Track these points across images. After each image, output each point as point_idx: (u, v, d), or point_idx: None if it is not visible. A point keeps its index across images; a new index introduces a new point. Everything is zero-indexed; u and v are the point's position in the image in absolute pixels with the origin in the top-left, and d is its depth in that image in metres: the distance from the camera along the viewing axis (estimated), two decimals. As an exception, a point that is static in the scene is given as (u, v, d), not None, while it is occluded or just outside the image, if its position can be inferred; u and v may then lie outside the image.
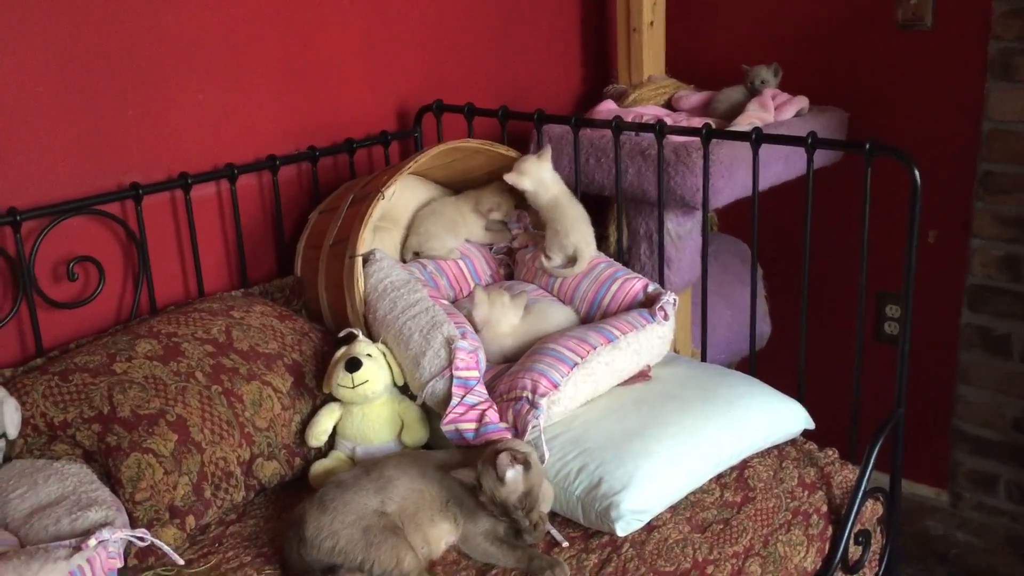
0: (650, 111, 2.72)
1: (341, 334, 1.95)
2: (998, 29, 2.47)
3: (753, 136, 2.06)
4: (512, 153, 2.22)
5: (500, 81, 2.80)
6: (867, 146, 1.91)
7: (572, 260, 2.16)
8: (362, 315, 1.99)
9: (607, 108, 2.58)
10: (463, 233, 2.29)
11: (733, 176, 2.32)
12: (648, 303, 2.07)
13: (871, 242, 2.05)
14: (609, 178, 2.40)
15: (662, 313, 1.99)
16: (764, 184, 2.41)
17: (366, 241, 2.06)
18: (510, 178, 2.14)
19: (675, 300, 2.04)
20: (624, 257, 2.46)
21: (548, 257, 2.18)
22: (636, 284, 2.11)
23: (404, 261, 2.28)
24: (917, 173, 1.86)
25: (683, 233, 2.45)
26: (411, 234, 2.27)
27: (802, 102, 2.62)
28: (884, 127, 2.71)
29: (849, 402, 2.15)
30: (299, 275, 2.25)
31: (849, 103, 2.72)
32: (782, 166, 2.47)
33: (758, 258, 2.91)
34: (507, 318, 1.96)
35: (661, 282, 2.43)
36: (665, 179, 2.30)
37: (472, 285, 2.26)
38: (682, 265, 2.47)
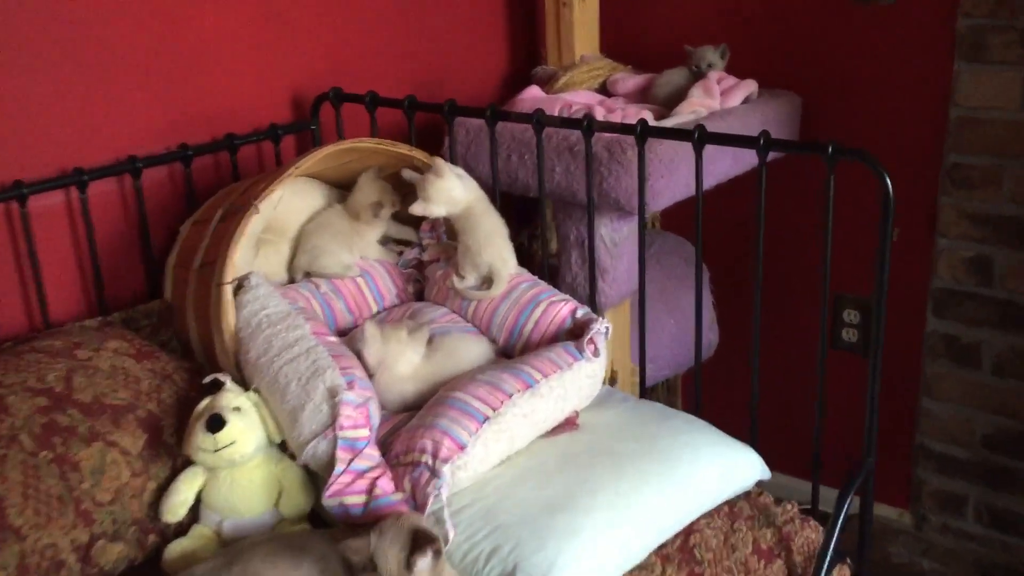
0: (581, 98, 2.36)
1: (206, 380, 1.57)
2: (967, 4, 2.15)
3: (696, 135, 1.71)
4: (416, 154, 1.85)
5: (413, 64, 2.42)
6: (829, 149, 1.57)
7: (488, 280, 1.81)
8: (233, 355, 1.61)
9: (532, 96, 2.22)
10: (360, 247, 1.92)
11: (674, 175, 1.97)
12: (577, 331, 1.72)
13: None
14: (534, 177, 2.04)
15: (591, 347, 1.64)
16: (710, 182, 2.07)
17: (240, 264, 1.68)
18: (416, 210, 1.78)
19: (608, 329, 1.70)
20: (546, 270, 2.11)
21: (460, 276, 1.82)
22: (563, 308, 1.76)
23: (294, 281, 1.91)
24: (889, 182, 1.53)
25: (619, 240, 2.10)
26: (299, 251, 1.89)
27: (751, 87, 2.28)
28: (841, 112, 2.38)
29: (806, 426, 1.83)
30: (168, 300, 1.87)
31: (803, 86, 2.38)
32: (730, 162, 2.13)
33: (704, 258, 2.59)
34: (406, 358, 1.60)
35: (593, 296, 2.09)
36: (596, 180, 1.95)
37: (372, 308, 1.90)
38: (618, 275, 2.13)
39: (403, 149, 1.82)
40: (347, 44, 2.25)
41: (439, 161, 1.78)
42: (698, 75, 2.31)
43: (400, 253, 1.99)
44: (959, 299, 2.33)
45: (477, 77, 2.59)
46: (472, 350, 1.65)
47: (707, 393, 2.26)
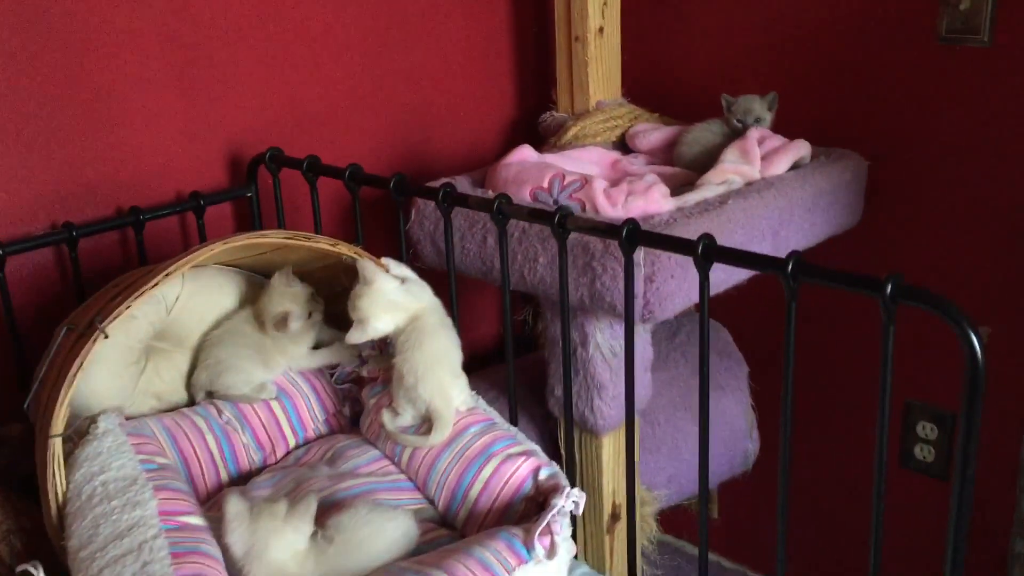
0: (588, 158, 1.87)
1: (18, 570, 1.14)
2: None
3: (700, 249, 1.20)
4: (341, 249, 1.39)
5: (396, 114, 1.96)
6: (888, 289, 1.05)
7: (428, 420, 1.34)
8: (56, 539, 1.17)
9: (520, 159, 1.73)
10: (280, 361, 1.47)
11: (689, 273, 1.48)
12: (540, 497, 1.24)
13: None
14: (520, 268, 1.57)
15: (545, 543, 1.16)
16: (738, 277, 1.58)
17: (103, 391, 1.25)
18: (354, 338, 1.33)
19: (579, 502, 1.21)
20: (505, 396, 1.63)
21: (395, 413, 1.36)
22: (521, 467, 1.28)
23: (194, 402, 1.47)
24: (977, 343, 1.00)
25: (620, 348, 1.61)
26: (199, 365, 1.45)
27: (801, 149, 1.75)
28: (919, 176, 1.84)
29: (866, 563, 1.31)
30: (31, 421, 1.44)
31: (870, 146, 1.86)
32: (769, 243, 1.63)
33: (741, 348, 2.08)
34: (284, 541, 1.14)
35: (587, 418, 1.61)
36: (588, 278, 1.46)
37: (290, 441, 1.44)
38: (618, 392, 1.64)
39: (322, 243, 1.35)
40: (308, 90, 1.80)
41: (365, 264, 1.32)
42: (737, 131, 1.80)
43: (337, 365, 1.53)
44: (1068, 422, 1.78)
45: (476, 128, 2.12)
46: (378, 541, 1.17)
47: (745, 510, 1.77)
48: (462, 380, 1.36)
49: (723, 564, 2.34)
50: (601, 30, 2.00)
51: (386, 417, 1.34)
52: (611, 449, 1.68)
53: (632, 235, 1.23)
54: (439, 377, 1.31)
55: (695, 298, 1.51)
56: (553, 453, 1.76)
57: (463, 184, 1.73)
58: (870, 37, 1.83)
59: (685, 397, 1.94)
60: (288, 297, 1.41)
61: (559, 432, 1.67)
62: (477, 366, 1.97)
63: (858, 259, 1.91)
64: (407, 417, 1.34)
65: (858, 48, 1.85)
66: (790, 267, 1.08)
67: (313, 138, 1.80)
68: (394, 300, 1.33)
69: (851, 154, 1.82)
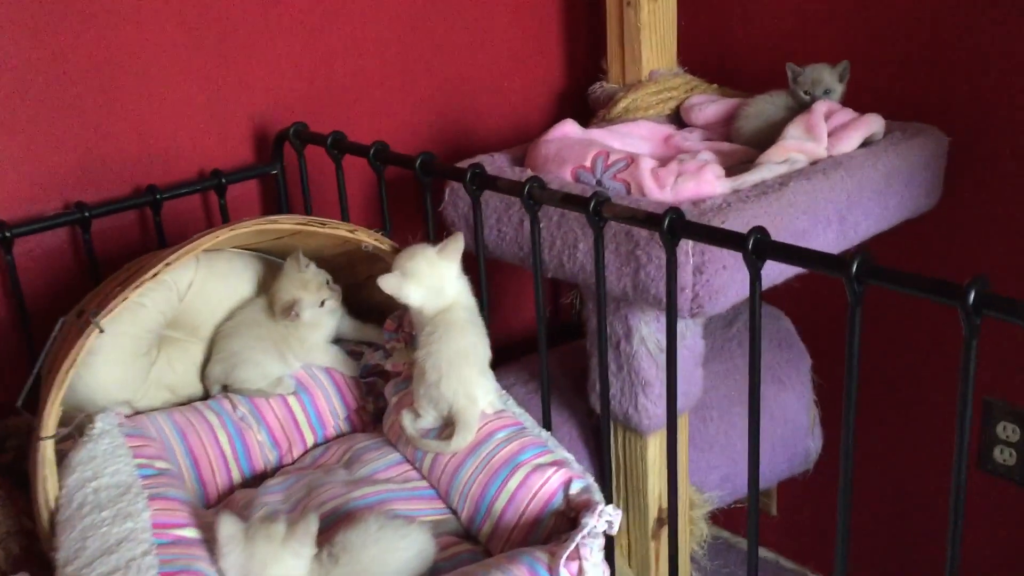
0: (639, 132, 1.73)
1: (6, 582, 1.06)
2: None
3: (751, 245, 1.05)
4: (361, 236, 1.27)
5: (435, 85, 1.83)
6: (971, 297, 0.89)
7: (450, 423, 1.22)
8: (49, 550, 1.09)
9: (561, 135, 1.59)
10: (299, 352, 1.37)
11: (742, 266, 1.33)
12: (568, 515, 1.12)
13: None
14: (558, 255, 1.43)
15: (572, 569, 1.03)
16: (791, 267, 1.43)
17: (110, 383, 1.16)
18: (387, 284, 1.21)
19: (613, 521, 1.09)
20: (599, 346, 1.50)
21: (416, 414, 1.24)
22: (552, 479, 1.16)
23: (209, 395, 1.37)
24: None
25: (666, 344, 1.47)
26: (213, 357, 1.35)
27: (873, 124, 1.58)
28: (1006, 155, 1.66)
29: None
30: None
31: (951, 118, 1.67)
32: (835, 229, 1.47)
33: (804, 338, 1.93)
34: (281, 570, 1.03)
35: (631, 417, 1.48)
36: (631, 267, 1.32)
37: (308, 439, 1.34)
38: (664, 391, 1.50)
39: (340, 230, 1.24)
40: (340, 61, 1.68)
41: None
42: (804, 105, 1.63)
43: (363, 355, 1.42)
44: None
45: (520, 101, 1.98)
46: (389, 561, 1.05)
47: (806, 508, 1.63)
48: (489, 379, 1.24)
49: (781, 563, 2.20)
50: (656, -7, 1.84)
51: (406, 419, 1.23)
52: (657, 449, 1.55)
53: (674, 225, 1.09)
54: (464, 374, 1.19)
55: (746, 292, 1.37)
56: (596, 450, 1.64)
57: (501, 162, 1.60)
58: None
59: (741, 391, 1.79)
60: (298, 283, 1.30)
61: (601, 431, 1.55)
62: (519, 354, 1.85)
63: (934, 246, 1.74)
64: (428, 419, 1.23)
65: (944, 8, 1.66)
66: (855, 268, 0.93)
67: (344, 112, 1.69)
68: (442, 277, 1.21)
69: (930, 128, 1.64)
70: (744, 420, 1.77)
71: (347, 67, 1.69)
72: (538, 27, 1.98)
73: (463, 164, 1.55)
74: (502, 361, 1.89)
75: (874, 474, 1.96)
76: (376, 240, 1.25)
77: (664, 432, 1.54)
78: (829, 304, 1.85)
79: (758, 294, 1.04)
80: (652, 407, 1.49)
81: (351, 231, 1.23)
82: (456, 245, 1.21)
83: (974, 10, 1.62)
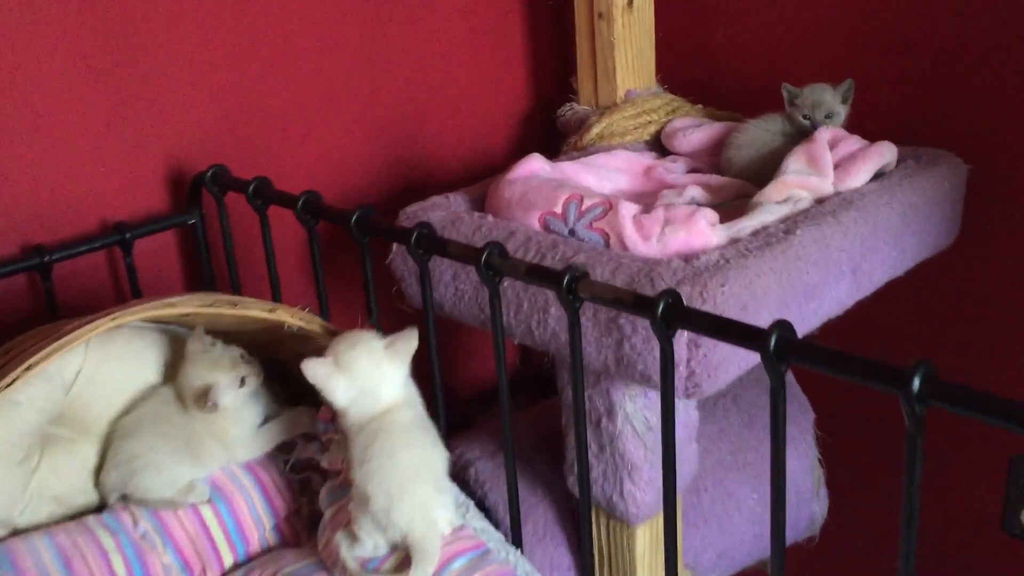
0: (615, 163, 1.50)
1: None
2: None
3: (773, 346, 0.81)
4: (280, 316, 1.03)
5: (385, 112, 1.59)
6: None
7: (401, 550, 0.98)
8: None
9: (527, 173, 1.35)
10: (214, 449, 1.12)
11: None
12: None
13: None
14: (520, 319, 1.20)
15: None
16: (817, 320, 1.22)
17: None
18: (313, 371, 0.98)
19: None
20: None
21: (354, 538, 1.00)
22: (521, 623, 0.93)
23: (104, 506, 1.13)
24: None
25: (656, 421, 1.24)
26: (108, 461, 1.11)
27: (885, 153, 1.36)
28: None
29: None
30: None
31: (970, 144, 1.46)
32: (847, 281, 1.25)
33: (805, 389, 1.71)
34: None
35: (616, 505, 1.25)
36: (614, 338, 1.09)
37: (225, 559, 1.10)
38: (656, 475, 1.27)
39: (254, 309, 0.99)
40: (272, 89, 1.44)
41: (408, 335, 0.97)
42: (803, 130, 1.41)
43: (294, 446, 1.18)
44: None
45: (482, 126, 1.75)
46: None
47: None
48: (448, 495, 1.00)
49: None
50: (631, 3, 1.62)
51: (343, 546, 0.99)
52: (647, 540, 1.32)
53: (671, 314, 0.85)
54: (419, 496, 0.95)
55: (752, 362, 1.14)
56: (576, 533, 1.41)
57: (458, 204, 1.36)
58: (970, 5, 1.43)
59: (737, 454, 1.58)
60: (207, 365, 1.06)
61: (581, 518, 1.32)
62: (484, 405, 1.63)
63: (950, 286, 1.53)
64: (370, 546, 0.99)
65: (959, 20, 1.44)
66: (917, 384, 0.70)
67: (276, 150, 1.45)
68: (378, 384, 0.98)
69: (946, 155, 1.42)
70: (742, 488, 1.56)
71: (279, 98, 1.45)
72: (500, 43, 1.74)
73: (412, 209, 1.32)
74: (464, 423, 1.66)
75: (885, 535, 1.74)
76: (302, 320, 1.01)
77: (655, 521, 1.32)
78: (825, 333, 1.63)
79: (782, 408, 0.81)
80: (640, 494, 1.26)
81: (269, 311, 0.98)
82: (408, 345, 0.98)
83: (992, 23, 1.41)
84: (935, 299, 1.54)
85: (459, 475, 1.46)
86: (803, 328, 1.19)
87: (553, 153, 1.62)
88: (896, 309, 1.52)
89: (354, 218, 1.11)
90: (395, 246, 1.29)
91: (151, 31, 1.30)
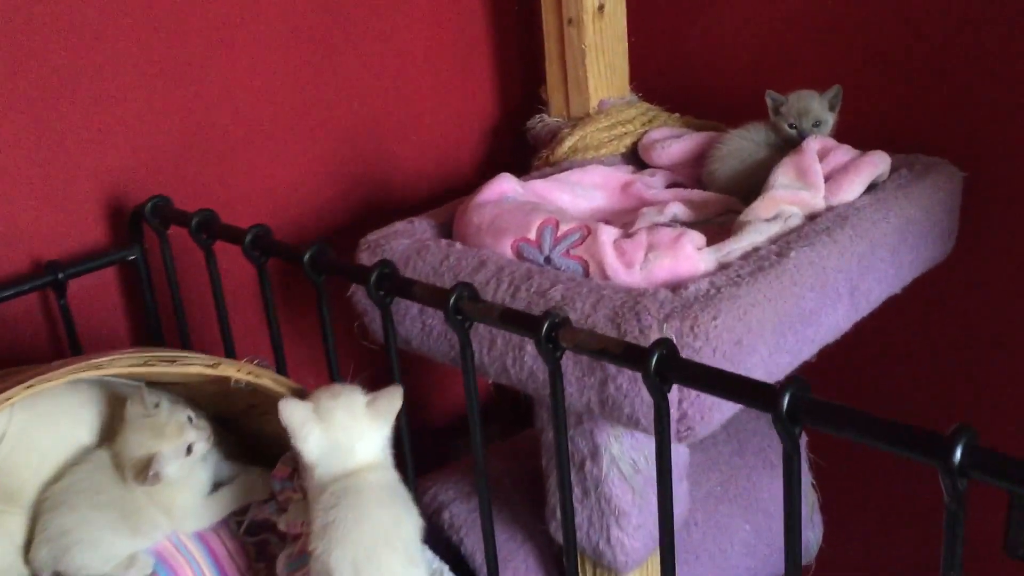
0: (590, 180, 1.39)
1: None
2: None
3: (786, 407, 0.71)
4: (223, 370, 0.91)
5: (341, 127, 1.48)
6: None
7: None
8: None
9: (497, 195, 1.25)
10: (157, 520, 1.01)
11: (744, 364, 1.01)
12: None
13: None
14: (493, 357, 1.10)
15: None
16: (814, 347, 1.13)
17: None
18: (290, 414, 0.88)
19: None
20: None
21: (310, 613, 0.90)
22: None
23: (37, 582, 1.01)
24: None
25: (646, 463, 1.14)
26: (37, 535, 0.99)
27: (878, 164, 1.27)
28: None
29: None
30: None
31: (965, 149, 1.37)
32: (845, 303, 1.16)
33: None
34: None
35: (603, 552, 1.15)
36: (596, 377, 0.99)
37: (174, 640, 0.98)
38: (645, 519, 1.17)
39: (195, 365, 0.88)
40: (220, 108, 1.33)
41: (348, 392, 0.87)
42: (789, 140, 1.32)
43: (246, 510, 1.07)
44: None
45: (447, 141, 1.64)
46: None
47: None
48: (422, 567, 0.89)
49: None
50: (601, 8, 1.52)
51: (298, 623, 0.88)
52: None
53: (665, 366, 0.75)
54: (388, 567, 0.84)
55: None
56: (560, 579, 1.31)
57: (424, 230, 1.26)
58: (964, 3, 1.34)
59: (728, 484, 1.48)
60: (149, 431, 0.95)
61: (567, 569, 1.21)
62: (456, 435, 1.53)
63: (947, 301, 1.44)
64: (330, 622, 0.88)
65: (952, 19, 1.35)
66: (958, 454, 0.60)
67: (228, 176, 1.33)
68: (353, 443, 0.87)
69: (941, 163, 1.33)
70: (735, 520, 1.47)
71: (227, 122, 1.33)
72: (463, 53, 1.64)
73: (373, 238, 1.22)
74: (441, 456, 1.55)
75: (880, 561, 1.66)
76: (250, 374, 0.90)
77: (646, 567, 1.22)
78: (821, 359, 1.54)
79: (796, 477, 0.71)
80: (629, 540, 1.16)
81: (211, 366, 0.87)
82: (390, 404, 0.88)
83: (986, 22, 1.32)
84: (930, 314, 1.45)
85: (432, 519, 1.36)
86: (799, 358, 1.10)
87: (524, 168, 1.52)
88: (888, 326, 1.43)
89: (308, 256, 0.99)
90: (357, 277, 1.19)
91: (85, 54, 1.19)
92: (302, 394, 0.93)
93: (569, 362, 1.01)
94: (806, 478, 1.57)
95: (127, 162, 1.24)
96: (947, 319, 1.46)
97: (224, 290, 1.17)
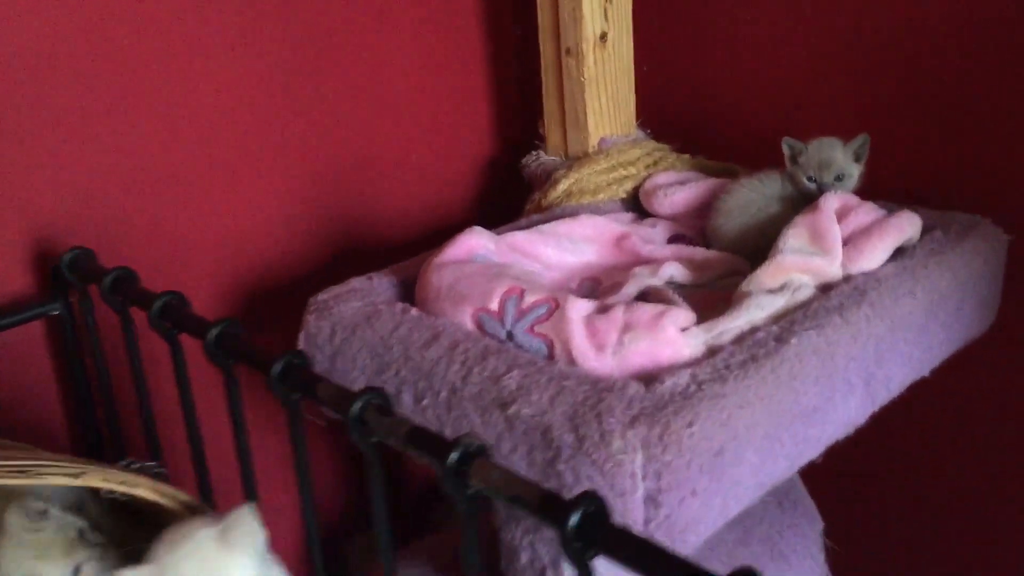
0: (581, 232, 1.23)
1: None
2: None
3: None
4: (89, 479, 0.77)
5: (319, 165, 1.34)
6: None
7: None
8: None
9: (464, 253, 1.09)
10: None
11: (723, 479, 0.84)
12: None
13: None
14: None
15: None
16: (820, 447, 0.96)
17: None
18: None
19: None
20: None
21: None
22: None
23: None
24: None
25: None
26: None
27: (907, 227, 1.09)
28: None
29: None
30: None
31: (1010, 207, 1.19)
32: (859, 395, 0.99)
33: (812, 495, 1.44)
34: None
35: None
36: (554, 485, 0.83)
37: None
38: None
39: (56, 475, 0.74)
40: (172, 149, 1.19)
41: (176, 531, 0.72)
42: (807, 195, 1.15)
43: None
44: None
45: (439, 178, 1.50)
46: None
47: None
48: None
49: None
50: (604, 37, 1.36)
51: None
52: None
53: (587, 532, 0.59)
54: None
55: (731, 512, 0.88)
56: None
57: (383, 288, 1.11)
58: (1002, 44, 1.15)
59: (727, 559, 1.30)
60: (33, 549, 0.81)
61: None
62: (432, 499, 1.38)
63: (984, 380, 1.25)
64: None
65: (986, 62, 1.17)
66: None
67: (184, 218, 1.20)
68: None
69: (981, 223, 1.15)
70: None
71: (183, 158, 1.20)
72: (458, 82, 1.49)
73: (323, 298, 1.08)
74: (417, 523, 1.41)
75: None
76: (123, 483, 0.75)
77: None
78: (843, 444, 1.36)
79: None
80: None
81: (74, 475, 0.73)
82: (246, 532, 0.73)
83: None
84: (965, 396, 1.27)
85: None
86: (799, 462, 0.94)
87: (520, 205, 1.38)
88: (915, 410, 1.24)
89: (213, 335, 0.85)
90: (305, 325, 1.05)
91: (22, 83, 1.06)
92: (191, 507, 0.78)
93: (521, 461, 0.86)
94: (821, 571, 1.39)
95: (58, 204, 1.12)
96: (983, 402, 1.27)
97: (146, 355, 1.03)
